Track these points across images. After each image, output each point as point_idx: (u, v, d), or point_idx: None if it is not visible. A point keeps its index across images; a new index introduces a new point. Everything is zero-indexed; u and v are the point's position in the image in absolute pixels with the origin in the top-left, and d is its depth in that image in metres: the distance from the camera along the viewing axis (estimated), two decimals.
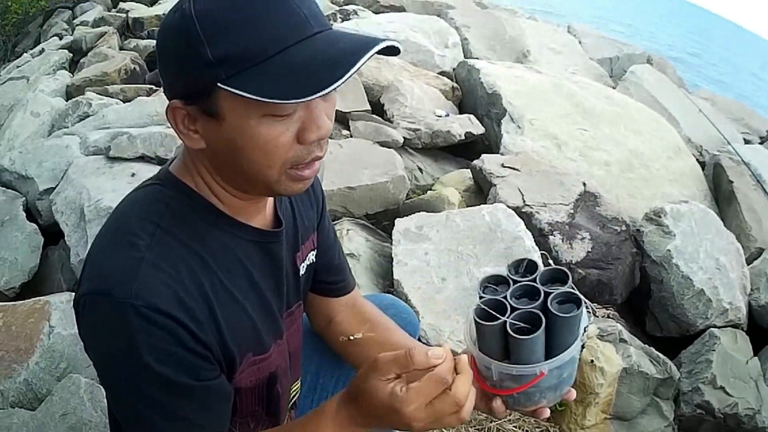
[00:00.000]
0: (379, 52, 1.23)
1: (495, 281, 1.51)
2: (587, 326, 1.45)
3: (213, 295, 1.41)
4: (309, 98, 1.18)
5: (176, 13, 1.28)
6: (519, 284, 1.47)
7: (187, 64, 1.26)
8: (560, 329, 1.39)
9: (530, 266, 1.51)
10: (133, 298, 1.27)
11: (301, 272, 1.80)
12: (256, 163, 1.33)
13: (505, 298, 1.44)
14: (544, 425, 3.49)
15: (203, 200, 1.46)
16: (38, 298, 3.40)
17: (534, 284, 1.45)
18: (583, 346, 1.41)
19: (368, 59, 1.20)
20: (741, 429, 3.84)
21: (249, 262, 1.54)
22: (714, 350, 4.03)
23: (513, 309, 1.41)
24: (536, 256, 3.88)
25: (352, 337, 1.94)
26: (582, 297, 1.39)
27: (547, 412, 1.53)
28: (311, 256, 1.86)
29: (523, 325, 1.37)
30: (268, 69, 1.21)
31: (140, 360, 1.28)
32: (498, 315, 1.40)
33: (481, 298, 1.47)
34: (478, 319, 1.41)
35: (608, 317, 4.07)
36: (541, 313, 1.37)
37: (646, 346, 3.86)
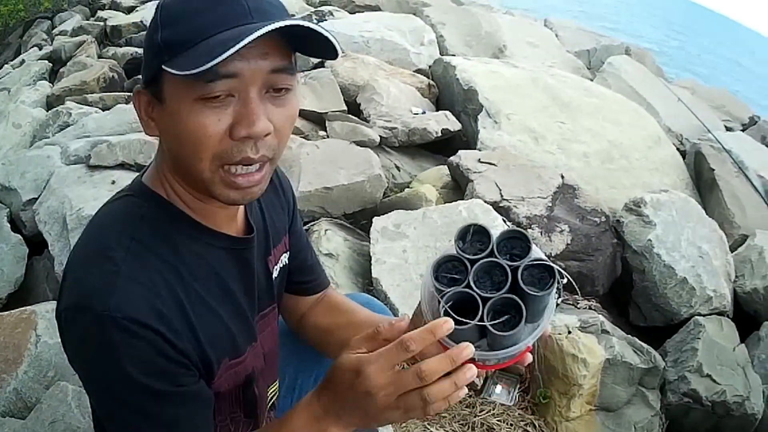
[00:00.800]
0: (322, 49, 1.31)
1: (449, 266, 1.35)
2: (559, 287, 1.29)
3: (189, 305, 1.42)
4: (202, 68, 1.19)
5: None
6: (477, 264, 1.31)
7: (148, 48, 1.34)
8: (535, 303, 1.28)
9: (479, 233, 1.36)
10: (112, 311, 1.27)
11: (274, 275, 1.80)
12: (187, 153, 1.34)
13: (468, 286, 1.29)
14: (529, 418, 3.48)
15: (175, 209, 1.47)
16: (24, 308, 3.44)
17: (494, 259, 1.31)
18: (558, 293, 1.29)
19: (261, 35, 1.20)
20: (730, 416, 3.83)
21: (222, 270, 1.55)
22: (699, 338, 4.03)
23: (483, 299, 1.27)
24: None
25: None
26: (548, 260, 1.29)
27: (529, 357, 1.39)
28: (284, 259, 1.86)
29: (500, 320, 1.26)
30: (197, 50, 1.23)
31: (123, 371, 1.29)
32: (468, 321, 1.25)
33: (439, 291, 1.32)
34: (454, 325, 1.23)
35: (590, 309, 4.06)
36: (519, 302, 1.25)
37: (629, 336, 3.86)
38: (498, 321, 1.26)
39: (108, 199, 1.52)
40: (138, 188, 1.49)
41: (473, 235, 1.36)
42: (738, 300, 4.60)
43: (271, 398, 1.92)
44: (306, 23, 1.26)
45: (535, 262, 1.29)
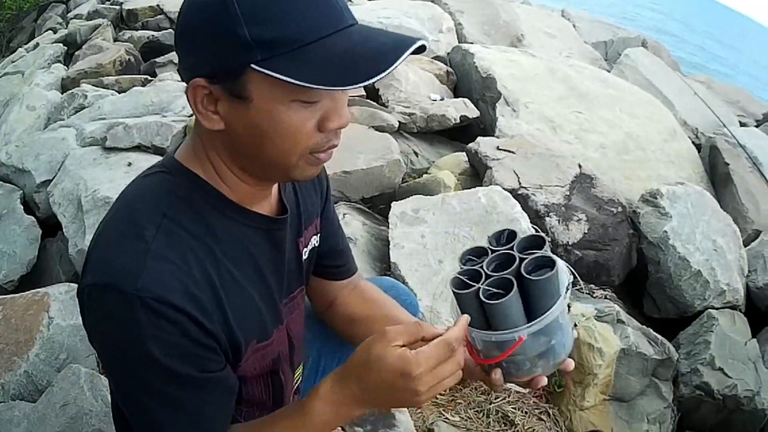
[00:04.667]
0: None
1: (476, 254, 1.54)
2: (568, 286, 1.43)
3: (220, 284, 1.40)
4: (351, 87, 1.20)
5: None
6: (496, 253, 1.49)
7: (220, 43, 1.24)
8: (536, 293, 1.39)
9: (511, 236, 1.53)
10: (141, 291, 1.25)
11: (304, 257, 1.79)
12: (279, 148, 1.33)
13: (481, 267, 1.46)
14: (543, 406, 3.47)
15: (210, 187, 1.44)
16: (37, 290, 3.38)
17: (511, 252, 1.46)
18: (569, 307, 1.39)
19: (407, 56, 1.21)
20: (740, 411, 3.83)
21: (255, 250, 1.53)
22: (712, 331, 4.03)
23: (488, 277, 1.43)
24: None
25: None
26: (557, 258, 1.39)
27: (544, 381, 1.51)
28: (314, 241, 1.85)
29: (494, 290, 1.38)
30: (306, 56, 1.21)
31: (147, 353, 1.28)
32: (473, 283, 1.42)
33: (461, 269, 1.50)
34: (453, 288, 1.44)
35: (605, 298, 4.07)
36: (512, 278, 1.38)
37: (644, 326, 3.86)
38: (490, 291, 1.38)
39: (138, 175, 1.50)
40: (171, 165, 1.46)
41: (506, 237, 1.54)
42: (750, 295, 4.59)
43: (297, 382, 1.93)
44: (427, 44, 1.28)
45: (542, 256, 1.42)
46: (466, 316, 1.42)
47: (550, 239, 4.12)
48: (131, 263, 1.29)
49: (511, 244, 1.48)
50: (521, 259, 1.42)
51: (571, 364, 1.54)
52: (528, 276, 1.38)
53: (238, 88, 1.27)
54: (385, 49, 1.22)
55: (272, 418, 1.51)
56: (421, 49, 1.25)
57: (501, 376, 1.49)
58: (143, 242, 1.31)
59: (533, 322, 1.39)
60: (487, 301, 1.37)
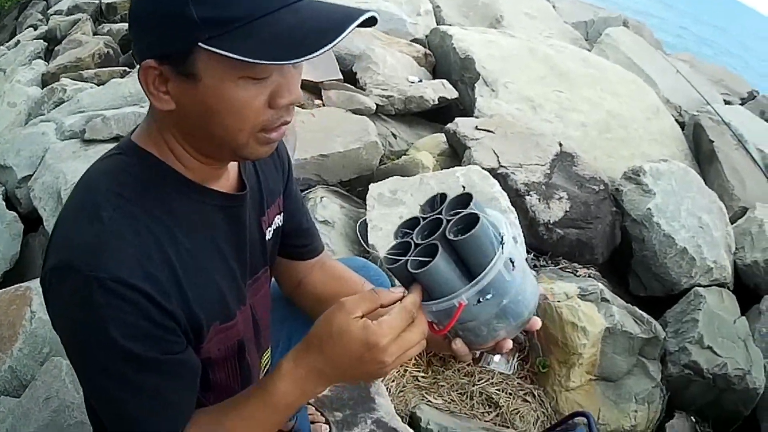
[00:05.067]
0: (359, 25, 1.25)
1: (410, 225, 1.46)
2: (503, 240, 1.36)
3: (179, 264, 1.39)
4: (298, 60, 1.21)
5: None
6: (425, 221, 1.43)
7: (168, 23, 1.24)
8: (468, 253, 1.34)
9: (444, 201, 1.45)
10: (98, 271, 1.25)
11: (268, 236, 1.77)
12: (228, 126, 1.33)
13: (411, 239, 1.40)
14: (528, 387, 3.46)
15: (166, 167, 1.44)
16: (19, 284, 3.38)
17: (440, 216, 1.39)
18: (513, 263, 1.30)
19: (354, 29, 1.22)
20: (731, 390, 3.79)
21: (214, 228, 1.53)
22: (700, 309, 4.00)
23: (417, 246, 1.38)
24: (512, 216, 3.81)
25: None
26: (481, 213, 1.34)
27: (509, 344, 1.47)
28: (278, 220, 1.84)
29: (421, 259, 1.33)
30: (254, 31, 1.22)
31: (106, 335, 1.27)
32: (399, 258, 1.37)
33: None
34: (386, 266, 1.39)
35: (589, 277, 4.03)
36: (437, 243, 1.33)
37: (629, 305, 3.82)
38: (419, 260, 1.33)
39: (97, 159, 1.49)
40: (127, 146, 1.46)
41: (439, 203, 1.45)
42: (738, 273, 4.58)
43: (265, 366, 1.92)
44: (377, 15, 1.27)
45: (467, 215, 1.35)
46: (412, 294, 1.36)
47: (532, 215, 4.09)
48: (88, 244, 1.29)
49: (440, 209, 1.42)
50: (448, 221, 1.36)
51: (537, 323, 1.48)
52: (452, 237, 1.32)
53: (188, 68, 1.27)
54: (334, 22, 1.23)
55: (235, 400, 1.49)
56: (371, 21, 1.25)
57: (462, 345, 1.44)
58: (100, 223, 1.31)
59: (469, 284, 1.33)
60: (414, 271, 1.32)
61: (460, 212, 1.36)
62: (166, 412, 1.39)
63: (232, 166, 1.59)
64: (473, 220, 1.32)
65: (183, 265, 1.40)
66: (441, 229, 1.34)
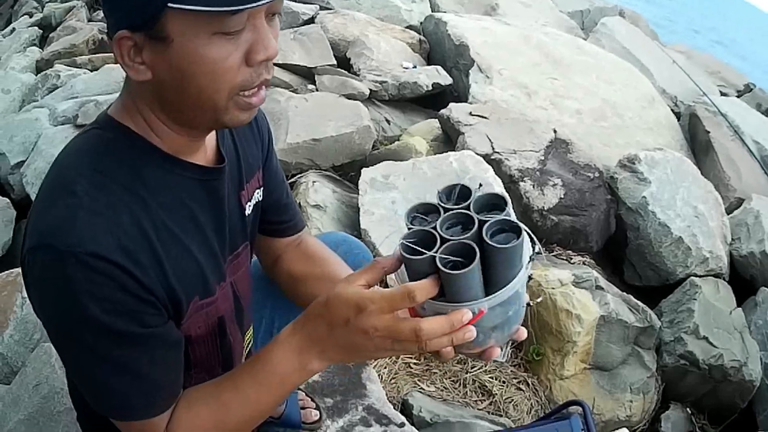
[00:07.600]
0: None
1: (424, 210, 1.34)
2: (532, 256, 1.29)
3: (156, 237, 1.37)
4: (263, 3, 1.19)
5: None
6: (450, 212, 1.29)
7: None
8: (499, 262, 1.23)
9: (464, 193, 1.33)
10: (74, 247, 1.23)
11: (247, 212, 1.75)
12: (204, 87, 1.30)
13: (434, 228, 1.27)
14: (521, 376, 3.43)
15: (143, 140, 1.41)
16: (10, 270, 3.39)
17: (467, 212, 1.28)
18: (530, 278, 1.24)
19: None
20: (727, 381, 3.77)
21: (192, 201, 1.50)
22: (695, 299, 3.97)
23: (443, 241, 1.25)
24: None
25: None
26: (522, 225, 1.23)
27: (497, 352, 1.39)
28: (257, 195, 1.81)
29: (455, 258, 1.21)
30: None
31: (84, 310, 1.25)
32: (424, 250, 1.23)
33: (409, 230, 1.30)
34: (404, 254, 1.25)
35: (584, 264, 4.00)
36: (475, 245, 1.21)
37: (624, 293, 3.78)
38: (448, 259, 1.21)
39: (74, 135, 1.47)
40: (104, 121, 1.44)
41: (458, 194, 1.33)
42: (734, 264, 4.55)
43: (248, 346, 1.92)
44: None
45: (505, 220, 1.24)
46: (425, 281, 1.24)
47: (526, 202, 4.07)
48: (62, 220, 1.27)
49: (467, 203, 1.30)
50: (481, 222, 1.24)
51: (523, 333, 1.42)
52: (494, 244, 1.20)
53: (159, 31, 1.25)
54: None
55: (231, 372, 1.50)
56: None
57: (450, 350, 1.35)
58: (74, 197, 1.29)
59: (494, 295, 1.24)
60: (447, 270, 1.19)
61: (493, 214, 1.26)
62: (146, 386, 1.38)
63: (210, 140, 1.57)
64: (507, 227, 1.23)
65: (160, 238, 1.38)
66: (476, 229, 1.23)
